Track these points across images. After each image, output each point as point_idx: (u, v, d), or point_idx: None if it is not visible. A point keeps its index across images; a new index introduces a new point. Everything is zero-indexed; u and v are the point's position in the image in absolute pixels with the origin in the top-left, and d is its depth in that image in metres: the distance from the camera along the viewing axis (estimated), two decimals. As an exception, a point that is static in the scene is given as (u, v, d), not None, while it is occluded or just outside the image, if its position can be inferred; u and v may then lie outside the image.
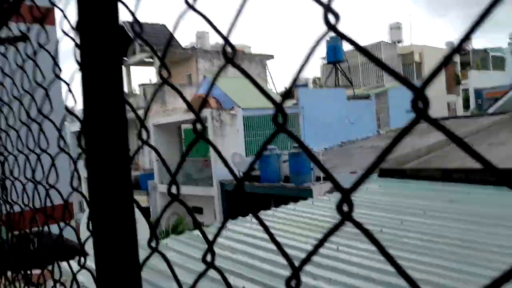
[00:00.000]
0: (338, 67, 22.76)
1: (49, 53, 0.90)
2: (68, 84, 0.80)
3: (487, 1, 0.27)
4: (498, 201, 3.90)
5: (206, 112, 13.36)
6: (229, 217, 4.73)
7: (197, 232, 3.78)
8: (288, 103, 16.77)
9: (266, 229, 0.43)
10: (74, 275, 0.84)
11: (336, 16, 0.36)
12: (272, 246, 2.88)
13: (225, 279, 0.47)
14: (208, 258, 0.48)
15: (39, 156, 1.07)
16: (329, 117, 15.62)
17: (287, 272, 2.53)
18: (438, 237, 2.94)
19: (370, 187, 5.21)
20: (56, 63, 0.87)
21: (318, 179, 10.09)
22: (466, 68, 30.23)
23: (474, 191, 4.26)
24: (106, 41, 0.53)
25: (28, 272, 1.43)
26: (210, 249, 0.48)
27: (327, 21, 0.36)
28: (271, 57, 24.79)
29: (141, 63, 23.21)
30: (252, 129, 14.21)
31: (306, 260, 0.38)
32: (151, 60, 22.58)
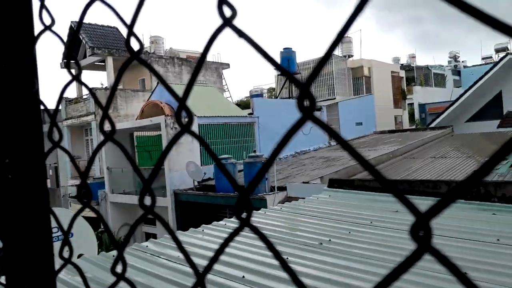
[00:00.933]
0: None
1: None
2: None
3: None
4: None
5: (159, 119, 13.10)
6: (183, 227, 4.63)
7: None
8: (244, 112, 16.88)
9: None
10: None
11: (232, 9, 0.32)
12: (224, 257, 2.86)
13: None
14: (119, 269, 0.45)
15: None
16: (283, 127, 15.76)
17: (235, 284, 2.51)
18: (384, 247, 3.07)
19: (320, 197, 5.35)
20: None
21: (272, 189, 10.20)
22: (411, 83, 32.12)
23: (417, 202, 4.49)
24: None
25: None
26: (120, 258, 0.45)
27: (222, 15, 0.32)
28: (227, 66, 24.90)
29: (92, 66, 22.36)
30: (208, 138, 14.12)
31: (208, 268, 0.36)
32: (102, 64, 21.82)
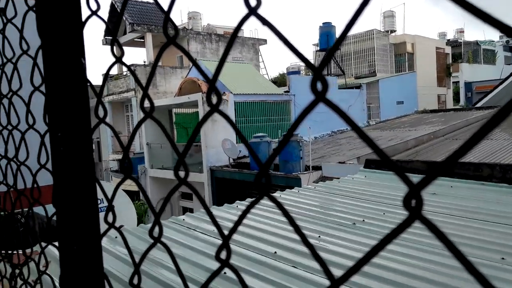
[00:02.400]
0: (331, 55, 22.64)
1: (16, 27, 0.85)
2: (33, 59, 0.75)
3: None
4: (478, 195, 4.01)
5: (197, 96, 13.29)
6: (218, 203, 4.78)
7: (181, 217, 3.82)
8: (280, 90, 16.76)
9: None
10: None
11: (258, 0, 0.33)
12: (256, 233, 2.94)
13: (171, 252, 0.49)
14: (155, 233, 0.49)
15: (11, 132, 1.02)
16: (320, 106, 15.62)
17: (268, 259, 2.59)
18: (417, 228, 3.03)
19: (356, 177, 5.30)
20: (23, 38, 0.83)
21: (307, 168, 10.19)
22: (458, 60, 30.42)
23: (456, 184, 4.36)
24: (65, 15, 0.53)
25: (10, 252, 1.45)
26: (157, 223, 0.50)
27: (247, 3, 0.33)
28: (264, 42, 24.63)
29: (132, 43, 22.85)
30: (243, 115, 14.20)
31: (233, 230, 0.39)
32: (141, 40, 22.24)
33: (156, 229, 0.49)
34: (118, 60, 0.50)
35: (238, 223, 0.37)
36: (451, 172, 4.73)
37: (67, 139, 0.56)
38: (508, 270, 2.21)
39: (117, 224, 0.60)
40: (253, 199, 0.40)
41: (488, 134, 0.26)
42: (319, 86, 0.29)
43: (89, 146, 0.57)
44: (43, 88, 0.64)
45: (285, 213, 0.33)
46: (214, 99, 0.36)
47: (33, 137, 0.83)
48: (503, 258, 2.38)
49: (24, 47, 0.79)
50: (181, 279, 0.48)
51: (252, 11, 0.32)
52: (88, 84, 0.56)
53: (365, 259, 0.30)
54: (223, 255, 0.38)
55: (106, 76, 0.54)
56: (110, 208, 0.54)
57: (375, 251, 0.30)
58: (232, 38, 0.34)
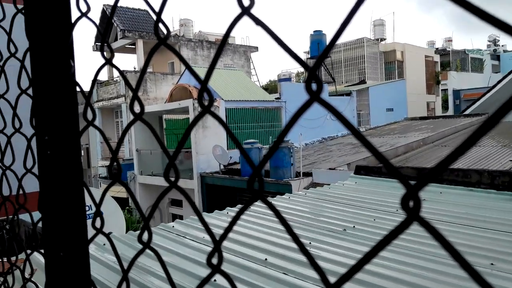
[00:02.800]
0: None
1: (4, 29, 0.85)
2: (21, 61, 0.74)
3: None
4: (467, 201, 4.05)
5: (188, 102, 13.27)
6: (208, 210, 4.75)
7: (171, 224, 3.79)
8: (271, 97, 16.82)
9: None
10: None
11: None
12: (246, 239, 2.93)
13: (160, 258, 0.48)
14: (144, 238, 0.48)
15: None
16: (310, 113, 15.71)
17: (259, 266, 2.57)
18: (408, 235, 3.04)
19: (346, 183, 5.32)
20: (10, 40, 0.82)
21: (298, 174, 10.20)
22: (446, 68, 30.90)
23: (445, 190, 4.40)
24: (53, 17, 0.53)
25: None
26: (146, 228, 0.49)
27: (240, 3, 0.33)
28: (256, 49, 24.74)
29: (123, 49, 22.77)
30: (234, 122, 14.20)
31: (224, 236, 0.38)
32: (132, 46, 22.18)
33: (146, 234, 0.47)
34: (108, 62, 0.49)
35: (230, 227, 0.37)
36: (440, 179, 4.77)
37: (54, 143, 0.54)
38: (498, 275, 2.22)
39: (105, 231, 0.58)
40: (245, 203, 0.39)
41: (483, 135, 0.25)
42: (313, 86, 0.28)
43: (77, 149, 0.56)
44: (30, 92, 0.63)
45: (278, 215, 0.33)
46: (205, 101, 0.36)
47: (19, 141, 0.81)
48: (492, 264, 2.40)
49: (12, 49, 0.78)
50: (171, 285, 0.47)
51: (245, 10, 0.31)
52: (77, 86, 0.55)
53: (363, 262, 0.30)
54: (214, 260, 0.37)
55: (95, 78, 0.53)
56: (98, 213, 0.53)
57: (372, 253, 0.30)
58: (225, 37, 0.34)
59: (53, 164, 0.55)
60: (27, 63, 0.66)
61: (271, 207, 0.33)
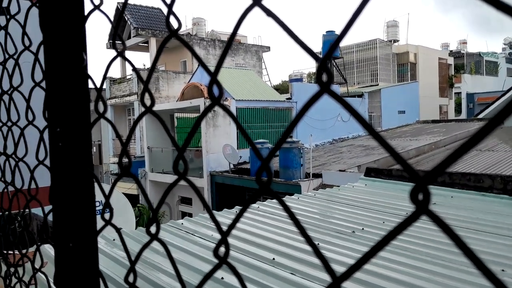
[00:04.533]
0: (333, 63, 22.76)
1: (19, 23, 0.85)
2: (35, 54, 0.74)
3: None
4: (479, 206, 3.99)
5: (199, 101, 13.33)
6: (218, 208, 4.76)
7: (180, 221, 3.81)
8: (282, 97, 16.80)
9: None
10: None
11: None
12: (254, 238, 2.93)
13: (167, 250, 0.48)
14: (153, 230, 0.48)
15: (10, 129, 1.01)
16: (321, 114, 15.69)
17: (267, 266, 2.57)
18: (417, 238, 3.00)
19: (356, 185, 5.28)
20: (25, 33, 0.82)
21: (307, 175, 10.16)
22: (460, 71, 30.47)
23: (456, 195, 4.34)
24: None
25: (6, 252, 1.44)
26: (155, 220, 0.49)
27: None
28: (268, 49, 24.73)
29: (136, 47, 22.96)
30: (245, 121, 14.22)
31: (231, 227, 0.38)
32: (145, 45, 22.36)
33: (154, 228, 0.48)
34: (120, 54, 0.50)
35: (237, 218, 0.37)
36: (451, 183, 4.71)
37: (66, 135, 0.55)
38: (509, 282, 2.18)
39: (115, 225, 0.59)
40: (252, 195, 0.39)
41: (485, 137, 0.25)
42: (324, 77, 0.28)
43: (88, 141, 0.57)
44: (44, 85, 0.64)
45: (286, 208, 0.33)
46: (216, 92, 0.36)
47: (32, 134, 0.83)
48: (503, 270, 2.36)
49: (26, 43, 0.79)
50: (178, 277, 0.47)
51: (256, 2, 0.31)
52: (89, 79, 0.56)
53: (370, 254, 0.30)
54: (221, 251, 0.37)
55: (107, 70, 0.54)
56: (107, 205, 0.53)
57: (380, 245, 0.29)
58: (237, 26, 0.34)
59: (64, 156, 0.56)
60: (41, 56, 0.67)
61: (277, 197, 0.33)
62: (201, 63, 0.38)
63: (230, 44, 0.35)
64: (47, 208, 1.05)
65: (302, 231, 0.32)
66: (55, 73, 0.56)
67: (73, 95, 0.55)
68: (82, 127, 0.56)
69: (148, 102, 0.47)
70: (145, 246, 0.47)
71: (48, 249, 2.75)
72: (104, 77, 0.50)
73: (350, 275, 0.32)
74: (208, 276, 0.39)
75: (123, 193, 7.15)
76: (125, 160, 0.51)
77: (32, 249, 1.34)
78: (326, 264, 0.32)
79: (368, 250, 0.30)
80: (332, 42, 0.27)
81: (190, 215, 12.95)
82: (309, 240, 0.33)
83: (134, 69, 0.49)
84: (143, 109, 0.50)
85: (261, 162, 0.33)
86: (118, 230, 0.52)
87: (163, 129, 0.44)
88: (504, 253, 2.63)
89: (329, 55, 0.28)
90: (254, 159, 11.51)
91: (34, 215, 1.17)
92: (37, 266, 1.08)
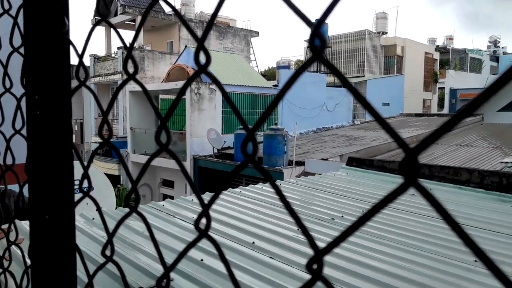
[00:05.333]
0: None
1: None
2: (14, 18, 0.72)
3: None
4: (455, 199, 4.10)
5: (185, 84, 13.12)
6: (200, 192, 4.77)
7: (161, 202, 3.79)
8: (269, 84, 16.74)
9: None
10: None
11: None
12: (235, 222, 2.93)
13: (146, 223, 0.48)
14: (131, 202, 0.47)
15: None
16: (307, 102, 15.73)
17: (246, 249, 2.59)
18: (395, 227, 3.07)
19: (338, 174, 5.35)
20: None
21: (290, 163, 10.22)
22: (445, 67, 30.89)
23: (434, 187, 4.44)
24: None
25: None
26: (134, 191, 0.48)
27: None
28: (257, 34, 24.49)
29: (122, 25, 22.39)
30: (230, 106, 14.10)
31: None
32: (132, 23, 21.84)
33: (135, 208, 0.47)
34: (103, 19, 0.47)
35: (219, 191, 0.36)
36: (430, 175, 4.81)
37: (44, 102, 0.53)
38: (480, 272, 2.26)
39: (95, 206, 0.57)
40: (237, 167, 0.38)
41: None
42: (317, 42, 0.27)
43: (68, 110, 0.54)
44: (22, 51, 0.61)
45: (272, 183, 0.32)
46: (202, 59, 0.35)
47: (9, 101, 0.79)
48: (475, 261, 2.44)
49: (6, 6, 0.75)
50: (156, 249, 0.47)
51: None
52: (70, 45, 0.53)
53: (354, 227, 0.30)
54: (202, 224, 0.37)
55: (90, 34, 0.51)
56: (86, 176, 0.52)
57: (365, 218, 0.29)
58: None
59: (42, 125, 0.53)
60: (21, 21, 0.64)
61: (262, 170, 0.32)
62: (185, 25, 0.37)
63: (219, 7, 0.33)
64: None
65: (289, 208, 0.32)
66: (34, 37, 0.53)
67: (53, 61, 0.53)
68: (61, 95, 0.54)
69: (131, 70, 0.45)
70: (124, 217, 0.46)
71: (25, 225, 2.71)
72: (87, 42, 0.47)
73: (332, 249, 0.32)
74: (189, 246, 0.39)
75: (104, 173, 7.06)
76: (106, 131, 0.49)
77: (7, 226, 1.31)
78: (310, 240, 0.32)
79: (352, 223, 0.30)
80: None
81: (172, 197, 12.92)
82: (295, 216, 0.32)
83: (116, 32, 0.47)
84: (127, 91, 0.48)
85: (247, 134, 0.32)
86: (96, 202, 0.51)
87: (146, 97, 0.43)
88: (484, 247, 2.71)
89: (323, 20, 0.27)
90: (238, 144, 11.49)
91: (12, 191, 1.14)
92: (11, 238, 1.05)
